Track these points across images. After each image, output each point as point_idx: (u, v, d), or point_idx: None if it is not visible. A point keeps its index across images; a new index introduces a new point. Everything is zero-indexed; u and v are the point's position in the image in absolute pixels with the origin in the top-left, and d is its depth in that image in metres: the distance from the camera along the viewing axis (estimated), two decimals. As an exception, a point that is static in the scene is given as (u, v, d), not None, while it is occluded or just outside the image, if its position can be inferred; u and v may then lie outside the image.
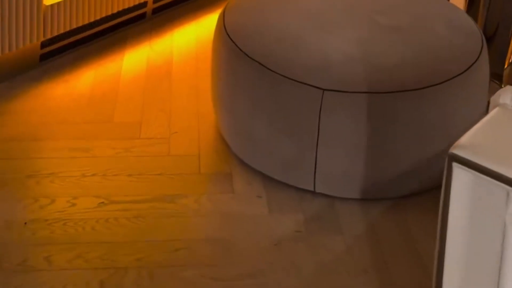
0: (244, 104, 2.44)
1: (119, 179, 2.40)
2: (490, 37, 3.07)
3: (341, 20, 2.56)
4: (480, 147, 1.58)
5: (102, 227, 2.20)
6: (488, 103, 1.83)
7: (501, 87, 3.16)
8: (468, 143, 1.59)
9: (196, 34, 3.33)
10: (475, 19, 3.05)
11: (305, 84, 2.30)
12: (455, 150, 1.55)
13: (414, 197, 2.42)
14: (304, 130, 2.33)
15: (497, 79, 3.18)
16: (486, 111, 1.72)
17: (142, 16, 3.36)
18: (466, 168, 1.54)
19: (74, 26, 2.98)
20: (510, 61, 3.12)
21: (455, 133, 2.42)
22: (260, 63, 2.36)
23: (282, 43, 2.43)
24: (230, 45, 2.47)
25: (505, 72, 3.15)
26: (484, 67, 2.54)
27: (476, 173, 1.50)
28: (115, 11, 3.12)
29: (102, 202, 2.29)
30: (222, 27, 2.55)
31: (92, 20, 3.05)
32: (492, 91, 3.13)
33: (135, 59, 3.09)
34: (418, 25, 2.58)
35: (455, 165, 1.56)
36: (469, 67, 2.44)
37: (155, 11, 3.42)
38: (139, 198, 2.32)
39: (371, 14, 2.60)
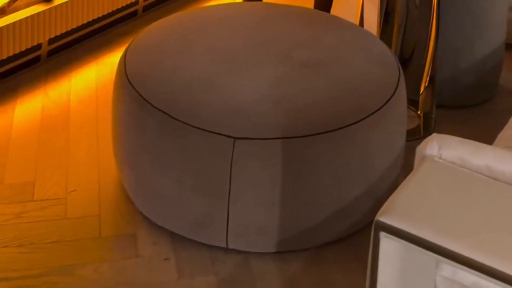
0: (148, 158, 2.21)
1: (8, 252, 2.14)
2: (405, 62, 2.93)
3: (254, 57, 2.39)
4: (408, 212, 1.42)
5: (-11, 310, 1.94)
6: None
7: (417, 114, 3.03)
8: (395, 208, 1.42)
9: (96, 75, 3.09)
10: (390, 43, 2.91)
11: (214, 133, 2.10)
12: (382, 217, 1.38)
13: (336, 245, 2.27)
14: (214, 183, 2.13)
15: (413, 105, 3.04)
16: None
17: (36, 59, 3.09)
18: (394, 238, 1.37)
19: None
20: (426, 84, 2.98)
21: (375, 173, 2.31)
22: (165, 113, 2.15)
23: (190, 88, 2.22)
24: (131, 92, 2.24)
25: (421, 98, 3.01)
26: (401, 98, 2.42)
27: (404, 242, 1.33)
28: (4, 56, 2.85)
29: (-13, 281, 2.03)
30: (123, 72, 2.33)
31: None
32: (409, 118, 3.04)
33: (28, 109, 2.84)
34: (335, 57, 2.44)
35: (382, 235, 1.38)
36: (387, 101, 2.31)
37: (51, 53, 3.16)
38: (31, 273, 2.07)
39: (287, 49, 2.44)
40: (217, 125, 2.11)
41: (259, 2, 2.95)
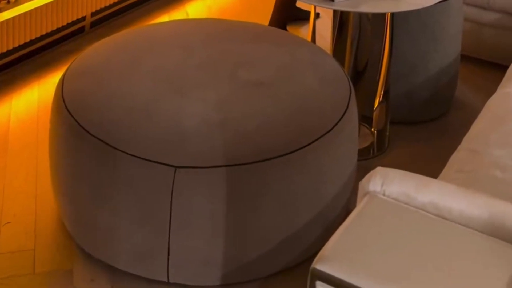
0: (86, 188, 2.11)
1: None
2: (359, 78, 2.86)
3: (201, 78, 2.29)
4: (346, 258, 1.34)
5: None
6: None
7: (371, 131, 2.96)
8: (332, 254, 1.34)
9: (39, 96, 2.97)
10: (343, 59, 2.83)
11: (154, 162, 2.00)
12: (318, 265, 1.29)
13: (284, 275, 2.18)
14: (154, 214, 2.03)
15: (367, 122, 2.97)
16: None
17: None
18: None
19: None
20: (380, 99, 2.90)
21: (325, 198, 2.22)
22: (102, 141, 2.04)
23: (131, 114, 2.12)
24: (68, 119, 2.13)
25: (375, 114, 2.94)
26: (352, 118, 2.35)
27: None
28: None
29: None
30: (60, 96, 2.22)
31: None
32: (362, 136, 2.97)
33: (-37, 132, 2.71)
34: (284, 77, 2.35)
35: (318, 284, 1.29)
36: (337, 122, 2.24)
37: (-9, 73, 3.04)
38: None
39: (234, 69, 2.35)
40: (157, 153, 2.01)
41: (208, 19, 2.85)
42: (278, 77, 2.34)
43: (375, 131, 2.98)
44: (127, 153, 2.01)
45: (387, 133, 2.98)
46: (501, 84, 2.61)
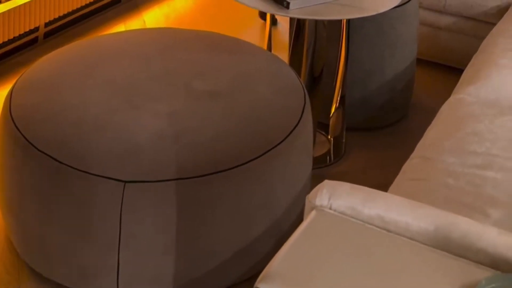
0: (33, 204, 2.08)
1: None
2: (315, 84, 2.85)
3: (154, 90, 2.26)
4: (290, 277, 1.32)
5: None
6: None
7: (327, 138, 2.95)
8: (276, 272, 1.32)
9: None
10: (299, 65, 2.82)
11: (103, 177, 1.96)
12: (262, 284, 1.27)
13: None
14: (103, 230, 2.00)
15: (324, 129, 2.96)
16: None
17: None
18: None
19: None
20: (337, 105, 2.90)
21: (279, 209, 2.20)
22: (50, 156, 2.01)
23: (80, 128, 2.09)
24: (15, 134, 2.09)
25: (332, 121, 2.93)
26: (307, 127, 2.34)
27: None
28: None
29: None
30: (8, 110, 2.17)
31: None
32: (319, 143, 2.96)
33: None
34: (239, 87, 2.33)
35: (261, 304, 1.26)
36: (291, 132, 2.23)
37: None
38: None
39: (188, 79, 2.33)
40: (106, 168, 1.98)
41: (164, 29, 2.81)
42: (233, 87, 2.32)
43: (332, 138, 2.97)
44: (75, 168, 1.98)
45: (344, 140, 2.98)
46: (455, 90, 2.62)
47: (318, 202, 1.48)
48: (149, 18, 3.80)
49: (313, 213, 1.46)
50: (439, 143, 2.24)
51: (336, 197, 1.49)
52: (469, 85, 2.58)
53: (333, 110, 2.93)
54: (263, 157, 2.11)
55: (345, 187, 1.52)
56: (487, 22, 3.43)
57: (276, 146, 2.14)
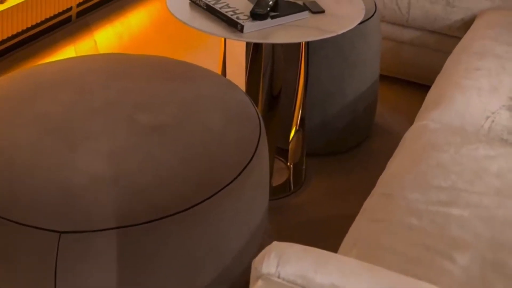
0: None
1: None
2: (272, 110, 2.70)
3: (93, 126, 2.09)
4: None
5: None
6: None
7: (287, 165, 2.80)
8: None
9: None
10: (257, 89, 2.67)
11: (35, 227, 1.79)
12: None
13: None
14: (36, 286, 1.81)
15: (283, 155, 2.81)
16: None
17: None
18: None
19: None
20: (297, 128, 2.75)
21: (230, 253, 2.02)
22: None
23: (9, 172, 1.91)
24: None
25: (291, 146, 2.78)
26: (262, 161, 2.18)
27: None
28: None
29: None
30: None
31: None
32: (278, 171, 2.82)
33: None
34: (186, 118, 2.17)
35: None
36: (244, 168, 2.05)
37: None
38: None
39: (132, 111, 2.15)
40: (39, 217, 1.81)
41: (109, 54, 2.63)
42: (180, 119, 2.16)
43: (291, 165, 2.82)
44: (3, 218, 1.81)
45: (304, 167, 2.83)
46: (418, 116, 2.48)
47: (265, 269, 1.32)
48: (101, 39, 3.63)
49: (259, 283, 1.30)
50: (401, 177, 2.10)
51: (284, 263, 1.33)
52: (432, 110, 2.45)
53: (292, 134, 2.79)
54: (212, 199, 1.95)
55: (295, 251, 1.36)
56: (451, 36, 3.32)
57: (226, 185, 1.98)
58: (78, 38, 3.60)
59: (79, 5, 3.70)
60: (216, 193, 1.96)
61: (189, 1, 2.52)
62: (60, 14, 3.58)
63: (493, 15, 3.16)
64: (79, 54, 3.46)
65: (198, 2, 2.47)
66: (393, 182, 2.08)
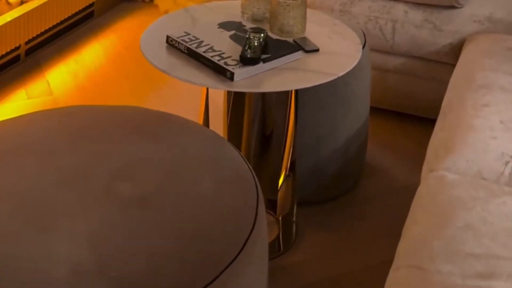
0: None
1: None
2: (261, 157, 2.39)
3: (65, 201, 1.74)
4: None
5: None
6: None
7: (276, 219, 2.52)
8: None
9: None
10: (239, 136, 2.38)
11: None
12: None
13: None
14: None
15: (271, 207, 2.51)
16: None
17: None
18: None
19: None
20: (287, 173, 2.45)
21: None
22: None
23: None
24: None
25: (280, 194, 2.48)
26: (262, 232, 1.86)
27: None
28: None
29: None
30: None
31: None
32: (268, 227, 2.50)
33: None
34: (174, 185, 1.84)
35: None
36: (245, 243, 1.73)
37: None
38: None
39: (107, 180, 1.81)
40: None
41: (70, 108, 2.26)
42: (166, 186, 1.83)
43: (280, 218, 2.52)
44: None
45: (294, 219, 2.53)
46: (427, 167, 2.21)
47: None
48: (54, 79, 3.28)
49: None
50: (428, 244, 1.82)
51: None
52: (445, 157, 2.18)
53: (281, 180, 2.49)
54: (214, 283, 1.64)
55: None
56: (440, 62, 3.07)
57: (228, 266, 1.68)
58: (29, 79, 3.24)
59: (27, 42, 3.34)
60: (218, 276, 1.65)
61: (166, 44, 2.20)
62: (7, 53, 3.21)
63: (485, 40, 2.91)
64: (31, 98, 3.11)
65: (177, 45, 2.16)
66: (420, 252, 1.80)
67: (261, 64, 2.06)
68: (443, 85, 2.98)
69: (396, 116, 3.17)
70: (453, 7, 3.06)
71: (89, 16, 3.82)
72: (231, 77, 2.01)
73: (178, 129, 2.11)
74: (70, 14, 3.53)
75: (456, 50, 3.02)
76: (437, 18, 3.04)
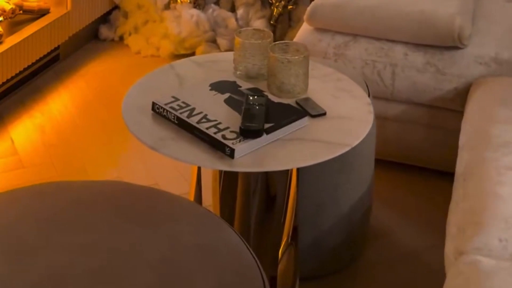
0: None
1: None
2: (259, 231, 2.18)
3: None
4: None
5: None
6: None
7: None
8: None
9: None
10: (231, 210, 2.09)
11: None
12: None
13: None
14: None
15: (272, 285, 2.20)
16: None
17: None
18: None
19: None
20: (289, 241, 2.17)
21: None
22: None
23: None
24: None
25: (280, 269, 2.21)
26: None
27: None
28: None
29: None
30: None
31: None
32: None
33: None
34: None
35: None
36: None
37: None
38: None
39: (88, 285, 1.49)
40: None
41: (43, 186, 1.89)
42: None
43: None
44: None
45: (298, 300, 2.24)
46: (453, 245, 1.94)
47: None
48: (18, 135, 2.95)
49: None
50: None
51: None
52: (474, 235, 1.90)
53: (281, 251, 2.20)
54: None
55: None
56: (444, 108, 2.81)
57: None
58: (-11, 137, 2.92)
59: (-13, 93, 3.02)
60: None
61: (152, 112, 1.89)
62: (-35, 107, 2.89)
63: (494, 85, 2.66)
64: (-7, 159, 2.78)
65: (165, 113, 1.85)
66: None
67: (264, 136, 1.76)
68: (449, 134, 2.73)
69: (398, 168, 2.90)
70: (456, 47, 2.79)
71: (55, 59, 3.49)
72: (231, 154, 1.71)
73: (169, 209, 1.80)
74: (34, 60, 3.20)
75: (462, 95, 2.76)
76: (440, 60, 2.78)
